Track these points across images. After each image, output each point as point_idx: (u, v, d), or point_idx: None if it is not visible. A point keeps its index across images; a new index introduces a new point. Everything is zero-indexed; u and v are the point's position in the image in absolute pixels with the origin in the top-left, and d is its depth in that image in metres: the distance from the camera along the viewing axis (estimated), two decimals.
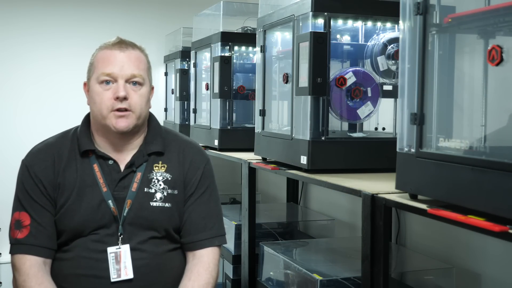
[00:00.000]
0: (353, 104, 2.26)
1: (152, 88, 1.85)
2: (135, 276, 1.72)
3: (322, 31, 2.15)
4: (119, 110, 1.73)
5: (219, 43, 3.19)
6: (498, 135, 1.43)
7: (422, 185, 1.53)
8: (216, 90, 3.16)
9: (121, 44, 1.78)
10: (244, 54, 3.38)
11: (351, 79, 2.23)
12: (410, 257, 2.52)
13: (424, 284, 2.28)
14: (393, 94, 2.29)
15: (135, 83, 1.76)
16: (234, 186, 4.11)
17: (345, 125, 2.46)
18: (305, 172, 2.19)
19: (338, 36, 2.36)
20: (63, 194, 1.76)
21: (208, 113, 3.39)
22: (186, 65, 4.09)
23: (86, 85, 1.82)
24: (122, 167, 1.79)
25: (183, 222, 1.82)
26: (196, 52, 3.67)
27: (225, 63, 3.12)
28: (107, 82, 1.74)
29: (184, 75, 3.94)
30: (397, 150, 1.63)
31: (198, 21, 3.79)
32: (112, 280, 1.71)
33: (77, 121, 1.89)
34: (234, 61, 3.23)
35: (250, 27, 3.30)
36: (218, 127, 3.18)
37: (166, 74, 4.59)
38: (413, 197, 1.58)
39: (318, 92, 2.13)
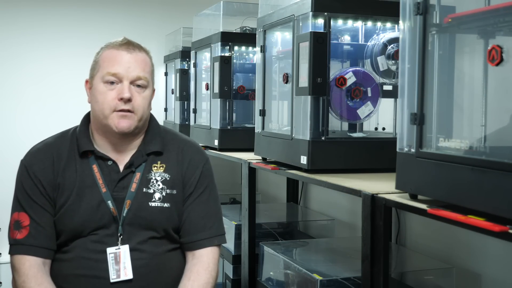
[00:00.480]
0: (353, 104, 2.26)
1: (153, 91, 1.85)
2: (134, 276, 1.72)
3: (322, 31, 2.15)
4: (121, 111, 1.73)
5: (219, 43, 3.19)
6: (498, 135, 1.43)
7: (422, 185, 1.53)
8: (216, 90, 3.15)
9: (128, 45, 1.77)
10: (244, 54, 3.38)
11: (351, 79, 2.23)
12: (410, 257, 2.52)
13: (424, 284, 2.28)
14: (393, 94, 2.29)
15: (139, 85, 1.76)
16: (234, 186, 4.11)
17: (345, 125, 2.46)
18: (305, 172, 2.19)
19: (338, 36, 2.36)
20: (62, 194, 1.75)
21: (208, 113, 3.39)
22: (186, 65, 4.09)
23: (89, 82, 1.81)
24: (121, 168, 1.79)
25: (182, 222, 1.82)
26: (196, 52, 3.67)
27: (225, 63, 3.12)
28: (112, 82, 1.73)
29: (184, 75, 3.94)
30: (397, 150, 1.63)
31: (198, 21, 3.79)
32: (111, 280, 1.71)
33: (77, 121, 1.88)
34: (234, 61, 3.23)
35: (248, 27, 3.30)
36: (218, 127, 3.18)
37: (166, 74, 4.59)
38: (413, 197, 1.58)
39: (318, 92, 2.13)
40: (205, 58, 3.59)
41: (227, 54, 3.18)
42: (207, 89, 3.40)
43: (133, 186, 1.77)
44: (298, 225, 3.38)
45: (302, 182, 3.50)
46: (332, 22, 2.19)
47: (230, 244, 3.00)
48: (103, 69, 1.74)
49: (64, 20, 4.47)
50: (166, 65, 4.57)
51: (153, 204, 1.77)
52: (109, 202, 1.74)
